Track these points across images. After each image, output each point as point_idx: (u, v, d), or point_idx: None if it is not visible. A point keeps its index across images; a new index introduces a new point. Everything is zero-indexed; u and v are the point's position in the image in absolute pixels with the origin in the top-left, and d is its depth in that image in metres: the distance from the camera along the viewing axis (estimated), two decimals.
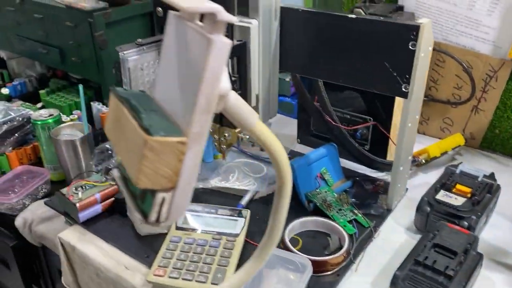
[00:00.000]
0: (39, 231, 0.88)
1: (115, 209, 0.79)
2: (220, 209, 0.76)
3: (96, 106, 1.20)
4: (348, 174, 0.87)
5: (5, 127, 1.03)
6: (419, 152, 0.90)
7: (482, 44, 0.92)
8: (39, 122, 1.00)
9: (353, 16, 0.70)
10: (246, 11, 0.73)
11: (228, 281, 0.45)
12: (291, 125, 1.04)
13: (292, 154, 0.95)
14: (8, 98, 1.35)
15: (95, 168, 0.89)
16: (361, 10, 0.93)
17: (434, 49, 0.94)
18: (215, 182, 0.87)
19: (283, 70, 0.81)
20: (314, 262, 0.65)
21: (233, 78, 0.73)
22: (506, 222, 0.78)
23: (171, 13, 0.33)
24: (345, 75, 0.74)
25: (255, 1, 0.72)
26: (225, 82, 0.31)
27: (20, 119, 1.06)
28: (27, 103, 1.25)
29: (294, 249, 0.68)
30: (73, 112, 1.19)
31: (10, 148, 1.04)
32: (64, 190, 0.79)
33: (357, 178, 0.86)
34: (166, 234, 0.73)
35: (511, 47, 0.87)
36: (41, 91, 1.32)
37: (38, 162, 1.05)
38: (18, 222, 0.92)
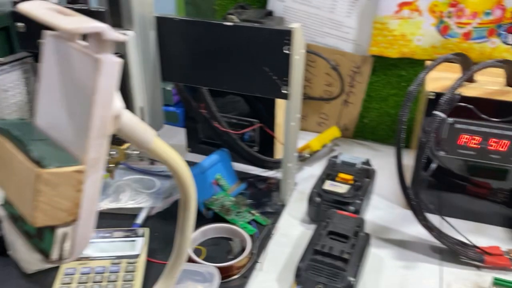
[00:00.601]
0: None
1: None
2: (115, 232, 0.72)
3: None
4: (242, 176, 0.89)
5: None
6: (302, 147, 0.96)
7: (345, 43, 1.01)
8: None
9: (229, 23, 0.72)
10: (119, 22, 0.70)
11: None
12: (178, 135, 1.03)
13: None
14: None
15: None
16: (234, 17, 0.95)
17: (306, 51, 1.00)
18: (105, 204, 0.82)
19: (165, 80, 0.80)
20: (220, 268, 0.65)
21: None
22: (384, 201, 0.87)
23: (47, 33, 0.31)
24: (228, 82, 0.76)
25: (129, 11, 0.69)
26: (117, 102, 0.30)
27: None
28: None
29: (199, 260, 0.67)
30: None
31: None
32: None
33: (251, 179, 0.89)
34: (57, 268, 0.67)
35: (370, 44, 0.97)
36: None
37: None
38: None
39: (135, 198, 0.83)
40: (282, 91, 0.72)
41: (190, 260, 0.67)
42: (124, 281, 0.64)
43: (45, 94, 0.31)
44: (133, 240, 0.71)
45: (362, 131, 1.09)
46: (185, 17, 0.76)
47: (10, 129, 0.29)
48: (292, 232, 0.78)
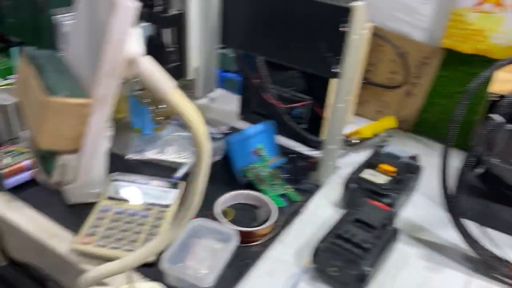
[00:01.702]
0: None
1: None
2: (153, 180, 0.77)
3: None
4: (284, 151, 0.89)
5: None
6: (352, 132, 0.94)
7: (416, 31, 0.96)
8: None
9: None
10: None
11: (145, 247, 0.46)
12: (233, 101, 1.05)
13: (233, 130, 0.96)
14: None
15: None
16: None
17: (374, 34, 0.97)
18: (151, 154, 0.87)
19: (224, 44, 0.82)
20: (242, 232, 0.67)
21: (171, 49, 0.73)
22: (427, 201, 0.83)
23: None
24: (282, 54, 0.75)
25: None
26: (134, 47, 0.31)
27: None
28: None
29: (223, 220, 0.70)
30: (8, 77, 1.13)
31: None
32: None
33: (292, 155, 0.89)
34: (95, 203, 0.72)
35: (443, 36, 0.91)
36: None
37: None
38: None
39: (180, 153, 0.87)
40: (332, 70, 0.70)
41: (214, 219, 0.70)
42: (152, 226, 0.68)
43: (75, 30, 0.33)
44: (168, 191, 0.75)
45: (421, 126, 1.04)
46: None
47: (38, 57, 0.32)
48: (321, 213, 0.77)
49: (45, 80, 0.29)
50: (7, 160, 0.74)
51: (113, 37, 0.28)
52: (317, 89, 0.90)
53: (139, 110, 0.89)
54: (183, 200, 0.43)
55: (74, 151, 0.30)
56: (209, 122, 0.96)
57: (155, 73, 0.34)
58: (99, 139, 0.32)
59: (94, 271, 0.48)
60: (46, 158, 0.32)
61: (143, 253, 0.45)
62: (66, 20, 0.82)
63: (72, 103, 0.29)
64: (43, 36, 1.13)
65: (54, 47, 1.15)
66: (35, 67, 0.31)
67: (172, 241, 0.44)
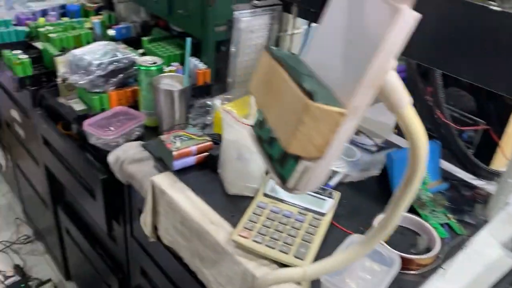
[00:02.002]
0: (128, 170, 0.92)
1: (208, 164, 0.80)
2: None
3: (193, 61, 1.22)
4: (446, 175, 0.82)
5: (111, 67, 1.07)
6: None
7: None
8: (143, 68, 1.03)
9: (497, 9, 0.64)
10: None
11: (330, 260, 0.44)
12: (389, 113, 1.00)
13: (387, 144, 0.91)
14: (112, 40, 1.41)
15: (192, 121, 0.91)
16: (494, 3, 0.85)
17: None
18: None
19: (403, 54, 0.77)
20: (402, 258, 0.63)
21: None
22: None
23: None
24: (470, 71, 0.69)
25: None
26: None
27: (126, 61, 1.10)
28: (130, 47, 1.30)
29: (382, 241, 0.66)
30: (172, 64, 1.21)
31: (112, 88, 1.09)
32: (163, 137, 0.81)
33: (455, 182, 0.82)
34: (252, 198, 0.73)
35: None
36: (144, 38, 1.36)
37: (135, 105, 1.10)
38: (111, 158, 0.97)
39: (334, 162, 0.85)
40: None
41: None
42: (306, 232, 0.67)
43: (324, 34, 0.32)
44: (323, 199, 0.73)
45: None
46: None
47: (286, 59, 0.31)
48: (488, 253, 0.69)
49: (303, 84, 0.28)
50: (177, 144, 0.79)
51: (387, 46, 0.26)
52: (493, 113, 0.81)
53: None
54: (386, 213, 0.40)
55: (317, 158, 0.29)
56: (363, 132, 0.93)
57: (398, 86, 0.32)
58: (339, 149, 0.30)
59: (274, 274, 0.47)
60: (283, 162, 0.31)
61: (326, 264, 0.43)
62: (244, 16, 0.84)
63: (331, 110, 0.27)
64: (208, 28, 1.19)
65: (222, 41, 1.20)
66: (286, 68, 0.30)
67: (362, 256, 0.42)
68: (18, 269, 1.62)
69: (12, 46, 1.32)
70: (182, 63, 1.22)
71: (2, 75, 1.37)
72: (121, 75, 1.09)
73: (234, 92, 0.90)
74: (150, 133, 1.03)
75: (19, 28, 1.35)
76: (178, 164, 0.78)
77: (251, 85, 0.35)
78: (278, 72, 0.31)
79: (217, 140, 0.82)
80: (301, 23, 0.89)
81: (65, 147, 1.13)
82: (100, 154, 1.03)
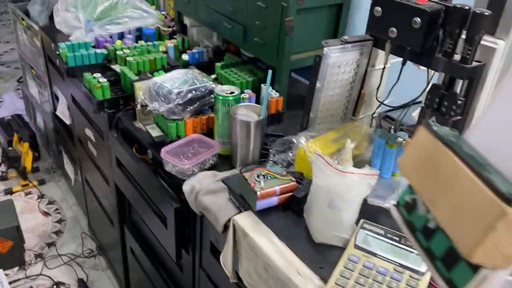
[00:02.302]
0: (203, 202, 0.90)
1: (290, 205, 0.77)
2: (405, 239, 0.70)
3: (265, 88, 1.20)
4: None
5: (190, 95, 1.07)
6: None
7: None
8: (220, 97, 1.02)
9: None
10: (493, 30, 0.63)
11: None
12: None
13: None
14: (186, 64, 1.43)
15: (273, 157, 0.88)
16: None
17: None
18: (392, 201, 0.80)
19: None
20: None
21: (459, 102, 0.65)
22: None
23: None
24: None
25: (508, 21, 0.62)
26: None
27: (203, 90, 1.10)
28: (203, 73, 1.30)
29: None
30: (245, 91, 1.19)
31: (189, 115, 1.09)
32: (247, 175, 0.79)
33: None
34: (342, 248, 0.69)
35: None
36: (217, 64, 1.36)
37: (209, 133, 1.09)
38: (186, 188, 0.96)
39: None
40: None
41: None
42: None
43: (501, 112, 0.28)
44: None
45: None
46: None
47: (450, 138, 0.27)
48: None
49: (494, 183, 0.24)
50: (261, 183, 0.76)
51: None
52: None
53: (383, 152, 0.84)
54: None
55: (501, 268, 0.25)
56: None
57: None
58: None
59: None
60: (450, 263, 0.27)
61: None
62: (333, 52, 0.81)
63: None
64: (284, 57, 1.17)
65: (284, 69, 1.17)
66: (459, 155, 0.26)
67: None
68: (81, 282, 1.65)
69: (91, 68, 1.36)
70: (254, 90, 1.20)
71: (79, 94, 1.41)
72: (198, 103, 1.09)
73: (316, 128, 0.86)
74: (224, 162, 1.02)
75: (98, 50, 1.39)
76: (261, 204, 0.75)
77: (403, 162, 0.31)
78: (447, 157, 0.27)
79: (300, 179, 0.79)
80: (390, 58, 0.84)
81: (139, 170, 1.14)
82: (174, 181, 1.02)
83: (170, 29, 1.57)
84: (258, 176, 0.77)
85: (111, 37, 1.51)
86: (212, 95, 1.10)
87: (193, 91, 1.08)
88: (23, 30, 1.96)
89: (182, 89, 1.06)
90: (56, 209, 1.97)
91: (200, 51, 1.47)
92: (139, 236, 1.36)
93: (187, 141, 1.06)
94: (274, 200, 0.76)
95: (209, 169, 1.01)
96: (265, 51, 1.22)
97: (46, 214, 1.92)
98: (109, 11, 1.57)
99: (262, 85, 1.21)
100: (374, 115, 0.92)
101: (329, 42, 0.81)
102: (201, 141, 1.06)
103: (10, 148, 2.02)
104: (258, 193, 0.74)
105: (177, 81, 1.08)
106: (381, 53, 0.85)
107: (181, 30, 1.59)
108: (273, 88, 1.21)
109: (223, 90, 1.05)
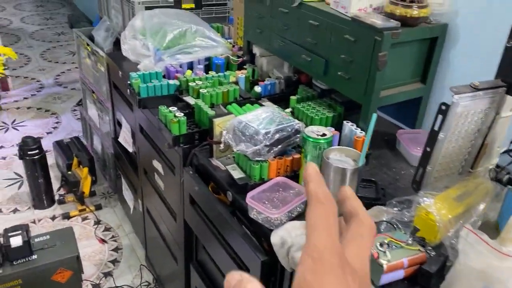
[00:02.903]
0: (297, 258, 0.82)
1: (418, 278, 0.67)
2: None
3: (348, 126, 1.11)
4: None
5: (277, 136, 1.00)
6: None
7: None
8: (311, 139, 0.95)
9: None
10: None
11: None
12: None
13: None
14: (258, 96, 1.36)
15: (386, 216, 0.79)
16: None
17: None
18: None
19: None
20: None
21: None
22: None
23: None
24: None
25: None
26: None
27: (290, 129, 1.03)
28: (279, 107, 1.23)
29: None
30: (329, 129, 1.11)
31: (273, 156, 1.02)
32: None
33: None
34: None
35: None
36: (292, 97, 1.29)
37: (293, 176, 1.01)
38: (275, 240, 0.88)
39: None
40: None
41: None
42: None
43: None
44: None
45: None
46: None
47: None
48: None
49: None
50: (386, 254, 0.67)
51: None
52: None
53: None
54: None
55: None
56: None
57: None
58: None
59: None
60: None
61: None
62: (463, 100, 0.72)
63: None
64: (373, 93, 1.08)
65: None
66: None
67: None
68: None
69: (163, 99, 1.31)
70: (334, 126, 1.12)
71: (150, 126, 1.37)
72: (283, 144, 1.02)
73: (433, 184, 0.77)
74: None
75: (171, 81, 1.35)
76: (386, 278, 0.66)
77: None
78: None
79: (422, 245, 0.70)
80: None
81: (216, 212, 1.07)
82: (257, 229, 0.95)
83: (240, 59, 1.51)
84: (381, 245, 0.68)
85: (181, 66, 1.47)
86: (297, 135, 1.03)
87: (280, 131, 1.01)
88: (87, 54, 1.97)
89: (269, 129, 0.99)
90: (113, 236, 1.93)
91: (272, 82, 1.40)
92: (207, 276, 1.29)
93: (272, 185, 0.99)
94: (400, 274, 0.67)
95: (297, 217, 0.94)
96: (350, 86, 1.14)
97: (102, 241, 1.89)
98: (179, 40, 1.54)
99: (345, 122, 1.13)
100: (491, 167, 0.82)
101: (460, 89, 0.72)
102: (286, 185, 0.99)
103: (69, 173, 2.01)
104: (385, 266, 0.65)
105: (263, 121, 1.02)
106: (508, 99, 0.75)
107: (250, 60, 1.53)
108: (357, 126, 1.13)
109: (313, 131, 0.97)
